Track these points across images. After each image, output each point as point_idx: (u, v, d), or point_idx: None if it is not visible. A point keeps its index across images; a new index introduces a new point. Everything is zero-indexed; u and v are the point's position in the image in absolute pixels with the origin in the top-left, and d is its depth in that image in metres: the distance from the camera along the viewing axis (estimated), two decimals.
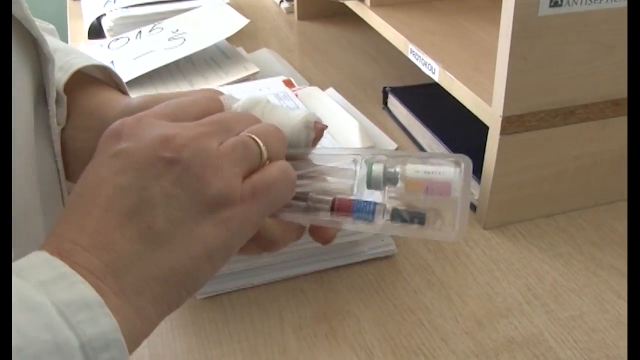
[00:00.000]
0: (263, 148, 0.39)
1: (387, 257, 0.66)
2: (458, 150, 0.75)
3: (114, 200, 0.35)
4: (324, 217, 0.42)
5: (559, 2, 0.59)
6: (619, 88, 0.66)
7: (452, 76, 0.72)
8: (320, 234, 0.44)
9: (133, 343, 0.34)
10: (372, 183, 0.42)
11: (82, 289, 0.31)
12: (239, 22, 1.03)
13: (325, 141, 0.73)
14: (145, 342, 0.57)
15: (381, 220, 0.41)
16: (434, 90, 0.78)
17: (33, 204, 0.43)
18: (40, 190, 0.43)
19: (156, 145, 0.36)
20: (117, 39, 1.06)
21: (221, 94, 0.47)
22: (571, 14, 0.60)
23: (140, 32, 1.06)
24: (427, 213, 0.40)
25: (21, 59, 0.42)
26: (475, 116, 0.68)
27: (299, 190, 0.41)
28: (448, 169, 0.41)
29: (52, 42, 0.48)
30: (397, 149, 0.76)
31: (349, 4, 0.99)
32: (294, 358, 0.56)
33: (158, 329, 0.58)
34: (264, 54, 1.08)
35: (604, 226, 0.70)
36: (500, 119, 0.63)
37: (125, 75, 0.92)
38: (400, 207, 0.41)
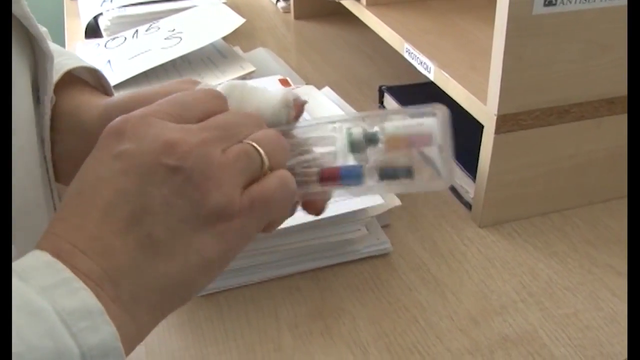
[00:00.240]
0: (265, 158, 0.39)
1: (382, 256, 0.66)
2: (455, 150, 0.76)
3: (114, 204, 0.35)
4: (315, 189, 0.42)
5: (553, 1, 0.59)
6: (614, 87, 0.67)
7: (447, 75, 0.73)
8: (312, 206, 0.44)
9: (127, 350, 0.34)
10: (354, 147, 0.42)
11: (83, 296, 0.32)
12: (236, 21, 1.03)
13: None
14: None
15: (371, 181, 0.41)
16: (430, 89, 0.78)
17: (35, 201, 0.43)
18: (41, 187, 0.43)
19: (159, 150, 0.36)
20: (114, 38, 1.06)
21: (198, 82, 0.47)
22: (565, 13, 0.60)
23: (136, 31, 1.06)
24: (414, 166, 0.41)
25: (19, 57, 0.42)
26: (471, 115, 0.68)
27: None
28: (427, 120, 0.41)
29: None
30: None
31: (345, 4, 1.00)
32: (289, 355, 0.56)
33: None
34: (261, 53, 1.08)
35: (598, 224, 0.71)
36: (495, 117, 0.64)
37: (122, 75, 0.92)
38: (386, 166, 0.41)
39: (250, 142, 0.39)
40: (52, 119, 0.48)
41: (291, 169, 0.42)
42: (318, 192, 0.42)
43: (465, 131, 0.72)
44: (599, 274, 0.64)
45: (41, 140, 0.46)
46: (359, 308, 0.61)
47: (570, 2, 0.60)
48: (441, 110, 0.41)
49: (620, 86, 0.67)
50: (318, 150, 0.43)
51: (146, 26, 1.07)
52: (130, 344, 0.34)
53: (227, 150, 0.38)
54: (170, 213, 0.35)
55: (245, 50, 1.08)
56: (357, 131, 0.42)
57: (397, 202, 0.68)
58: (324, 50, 1.14)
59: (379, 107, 0.94)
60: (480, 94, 0.67)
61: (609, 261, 0.66)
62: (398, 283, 0.63)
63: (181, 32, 1.01)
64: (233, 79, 0.93)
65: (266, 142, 0.40)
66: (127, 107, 0.43)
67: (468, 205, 0.73)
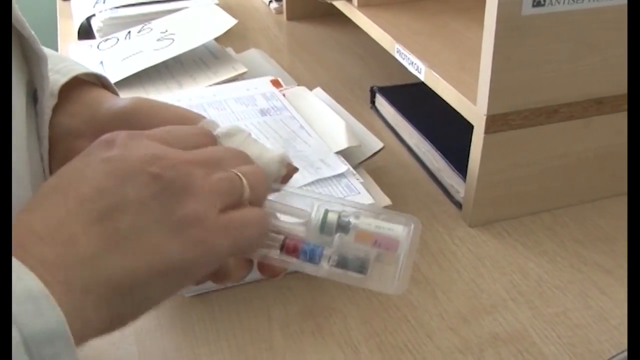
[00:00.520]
0: (247, 188, 0.40)
1: None
2: (445, 149, 0.77)
3: (91, 198, 0.35)
4: (274, 255, 0.43)
5: (542, 2, 0.59)
6: (602, 87, 0.67)
7: (437, 75, 0.73)
8: (269, 270, 0.45)
9: None
10: (324, 229, 0.43)
11: (27, 280, 0.30)
12: (228, 22, 1.03)
13: (312, 141, 0.74)
14: (133, 340, 0.58)
15: (327, 266, 0.42)
16: (421, 90, 0.78)
17: (25, 199, 0.43)
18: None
19: (145, 159, 0.37)
20: (107, 39, 1.06)
21: (203, 118, 0.48)
22: (554, 13, 0.60)
23: (129, 32, 1.06)
24: (371, 264, 0.42)
25: (13, 59, 0.43)
26: (461, 115, 0.69)
27: None
28: (398, 227, 0.42)
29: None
30: (383, 148, 0.77)
31: (337, 5, 1.00)
32: (280, 355, 0.56)
33: (146, 326, 0.59)
34: (253, 54, 1.08)
35: (588, 223, 0.71)
36: (485, 117, 0.64)
37: (115, 76, 0.92)
38: (346, 255, 0.42)
39: (235, 171, 0.41)
40: (63, 105, 0.48)
41: None
42: (276, 260, 0.43)
43: (455, 131, 0.73)
44: (588, 273, 0.65)
45: (38, 139, 0.46)
46: (349, 307, 0.61)
47: (559, 3, 0.60)
48: (415, 222, 0.43)
49: (608, 86, 0.67)
50: (288, 219, 0.45)
51: (139, 27, 1.07)
52: (74, 338, 0.32)
53: (212, 174, 0.39)
54: (142, 212, 0.36)
55: (237, 51, 1.09)
56: (333, 216, 0.43)
57: (388, 201, 0.68)
58: (316, 51, 1.14)
59: (371, 107, 0.94)
60: (470, 94, 0.67)
61: (598, 260, 0.66)
62: None
63: (173, 34, 1.02)
64: (225, 80, 0.93)
65: (250, 175, 0.41)
66: (139, 111, 0.47)
67: (458, 205, 0.74)
